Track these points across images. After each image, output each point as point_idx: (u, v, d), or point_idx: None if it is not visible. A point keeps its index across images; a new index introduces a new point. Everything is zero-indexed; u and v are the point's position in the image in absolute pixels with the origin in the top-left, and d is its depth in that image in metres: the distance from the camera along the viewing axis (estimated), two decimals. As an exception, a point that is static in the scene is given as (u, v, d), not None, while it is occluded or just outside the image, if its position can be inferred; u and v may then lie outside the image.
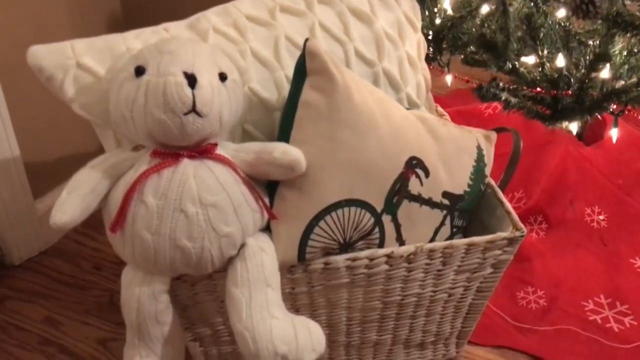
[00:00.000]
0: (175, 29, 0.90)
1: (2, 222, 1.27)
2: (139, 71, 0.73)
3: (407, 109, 0.97)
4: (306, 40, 0.81)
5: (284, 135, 0.83)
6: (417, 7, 1.06)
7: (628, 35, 0.98)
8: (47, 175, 1.35)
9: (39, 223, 1.33)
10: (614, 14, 0.97)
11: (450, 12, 1.27)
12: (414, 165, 0.87)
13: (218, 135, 0.77)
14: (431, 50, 1.18)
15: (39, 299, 1.24)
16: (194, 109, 0.72)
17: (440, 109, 1.21)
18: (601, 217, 1.40)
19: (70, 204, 0.75)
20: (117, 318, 1.16)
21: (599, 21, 0.93)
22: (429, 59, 1.19)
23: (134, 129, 0.75)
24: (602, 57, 0.97)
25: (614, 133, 1.22)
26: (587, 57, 1.00)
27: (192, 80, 0.71)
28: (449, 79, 1.34)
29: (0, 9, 1.18)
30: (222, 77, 0.76)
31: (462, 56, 1.20)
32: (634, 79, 1.01)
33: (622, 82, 1.01)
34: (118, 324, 1.16)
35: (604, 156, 1.46)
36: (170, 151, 0.76)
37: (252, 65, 0.90)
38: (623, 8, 0.99)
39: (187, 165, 0.75)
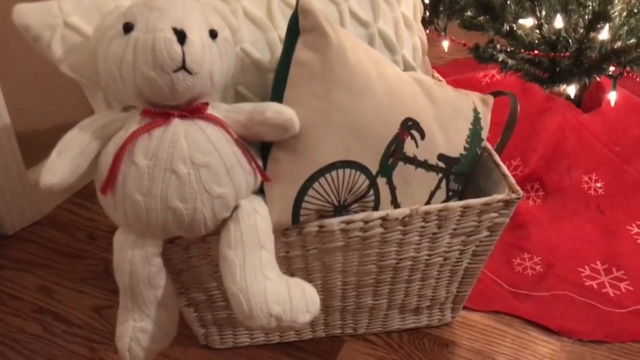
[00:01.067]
0: (165, -12, 0.88)
1: (-6, 192, 1.26)
2: (127, 28, 0.71)
3: (403, 71, 0.95)
4: (299, -3, 0.79)
5: (277, 95, 0.82)
6: (414, -33, 1.04)
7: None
8: (39, 144, 1.33)
9: (31, 192, 1.32)
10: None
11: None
12: (410, 126, 0.86)
13: (209, 94, 0.76)
14: (427, 14, 1.16)
15: (34, 268, 1.23)
16: (183, 66, 0.70)
17: (436, 74, 1.19)
18: (598, 185, 1.39)
19: (60, 165, 0.74)
20: (112, 286, 1.16)
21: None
22: (425, 23, 1.17)
23: (124, 87, 0.73)
24: (601, 16, 0.95)
25: (612, 96, 1.20)
26: (586, 18, 0.98)
27: (181, 36, 0.70)
28: (445, 44, 1.32)
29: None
30: (213, 34, 0.74)
31: (459, 20, 1.17)
32: (633, 40, 1.00)
33: (621, 44, 0.99)
34: (113, 292, 1.16)
35: (602, 123, 1.45)
36: (161, 110, 0.74)
37: (245, 25, 0.88)
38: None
39: (177, 125, 0.73)
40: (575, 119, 1.44)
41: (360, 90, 0.81)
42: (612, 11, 1.03)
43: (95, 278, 1.21)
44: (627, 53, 0.97)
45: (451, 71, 1.84)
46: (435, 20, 1.17)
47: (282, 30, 0.88)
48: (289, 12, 0.88)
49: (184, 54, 0.70)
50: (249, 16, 0.88)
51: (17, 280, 1.20)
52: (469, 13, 1.18)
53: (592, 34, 0.96)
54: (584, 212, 1.35)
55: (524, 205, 1.34)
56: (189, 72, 0.71)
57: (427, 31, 1.22)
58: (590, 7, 0.98)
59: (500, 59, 1.02)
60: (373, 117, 0.82)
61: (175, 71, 0.70)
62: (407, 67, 1.01)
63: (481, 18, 1.11)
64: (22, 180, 1.30)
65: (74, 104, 1.33)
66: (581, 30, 0.98)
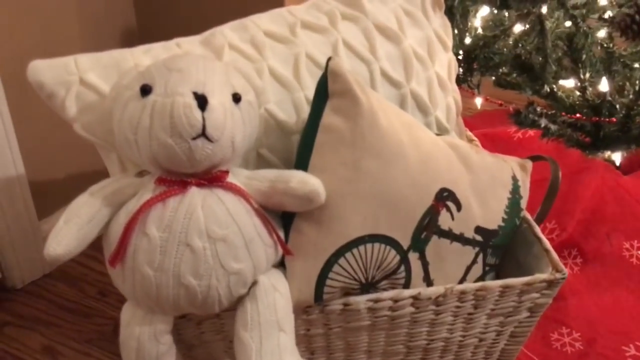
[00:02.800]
0: (188, 45, 0.84)
1: (5, 244, 1.21)
2: (145, 90, 0.66)
3: (437, 134, 0.89)
4: (329, 59, 0.74)
5: (302, 161, 0.76)
6: (449, 24, 0.99)
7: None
8: (53, 195, 1.29)
9: (43, 244, 1.26)
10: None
11: (481, 30, 1.20)
12: (445, 197, 0.79)
13: (230, 161, 0.70)
14: (461, 71, 1.11)
15: (39, 325, 1.17)
16: (203, 133, 0.65)
17: (469, 133, 1.13)
18: (641, 252, 1.30)
19: (66, 234, 0.69)
20: (119, 349, 1.09)
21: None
22: (458, 80, 1.12)
23: (138, 153, 0.68)
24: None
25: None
26: (637, 83, 0.92)
27: (202, 101, 0.65)
28: (479, 101, 1.27)
29: (9, 20, 1.13)
30: (236, 98, 0.69)
31: (494, 78, 1.12)
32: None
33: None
34: (120, 356, 1.09)
35: (643, 186, 1.37)
36: (177, 178, 0.69)
37: (270, 85, 0.83)
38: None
39: (194, 195, 0.68)
40: (614, 180, 1.36)
41: (392, 159, 0.75)
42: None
43: (103, 339, 1.14)
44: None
45: (480, 123, 1.77)
46: (469, 78, 1.12)
47: (309, 91, 0.83)
48: (317, 72, 0.83)
49: (204, 120, 0.64)
50: (275, 75, 0.83)
51: (21, 339, 1.14)
52: (504, 69, 1.12)
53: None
54: (627, 283, 1.25)
55: (561, 274, 1.26)
56: (209, 140, 0.65)
57: (460, 88, 1.16)
58: (636, 79, 0.92)
59: (542, 125, 0.96)
60: (405, 187, 0.76)
61: (195, 138, 0.65)
62: (441, 129, 0.96)
63: (518, 77, 1.05)
64: (34, 231, 1.25)
65: (90, 155, 1.29)
66: (630, 96, 0.92)
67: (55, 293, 1.25)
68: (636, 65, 0.98)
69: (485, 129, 1.66)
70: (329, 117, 0.75)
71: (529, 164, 0.98)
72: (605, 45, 1.00)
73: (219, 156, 0.67)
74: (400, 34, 0.91)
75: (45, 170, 1.27)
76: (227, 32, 0.86)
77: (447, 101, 0.97)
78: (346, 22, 0.91)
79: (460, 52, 1.12)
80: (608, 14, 0.99)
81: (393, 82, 0.90)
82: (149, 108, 0.65)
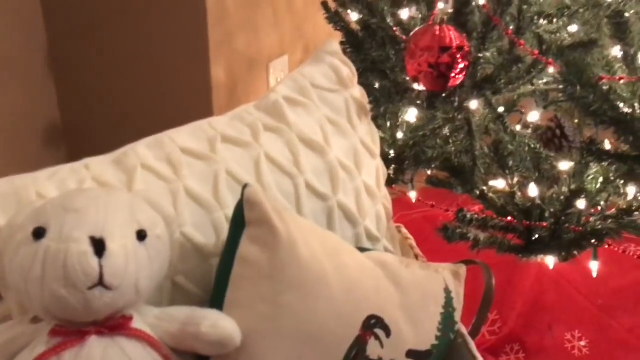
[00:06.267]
0: (98, 166, 0.79)
1: None
2: (38, 233, 0.61)
3: (362, 249, 0.86)
4: (244, 186, 0.71)
5: (218, 295, 0.71)
6: (375, 131, 0.98)
7: (603, 164, 0.91)
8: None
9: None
10: (587, 142, 0.89)
11: (411, 131, 1.19)
12: (373, 325, 0.75)
13: (135, 304, 0.65)
14: (392, 170, 1.09)
15: None
16: (101, 282, 0.59)
17: (404, 230, 1.10)
18: (582, 343, 1.29)
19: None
20: None
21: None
22: (390, 180, 1.10)
23: (30, 302, 0.62)
24: (577, 193, 0.89)
25: (593, 266, 1.13)
26: (562, 192, 0.92)
27: (99, 246, 0.59)
28: (413, 195, 1.25)
29: None
30: (141, 235, 0.64)
31: (426, 176, 1.11)
32: (613, 211, 0.93)
33: (600, 216, 0.93)
34: None
35: (582, 273, 1.37)
36: (75, 328, 0.62)
37: (187, 206, 0.78)
38: (597, 136, 0.92)
39: (94, 346, 0.61)
40: (553, 269, 1.36)
41: (314, 291, 0.70)
42: (587, 175, 0.97)
43: None
44: (608, 231, 0.90)
45: (423, 200, 1.76)
46: (401, 177, 1.11)
47: (230, 209, 0.78)
48: (238, 189, 0.78)
49: (101, 268, 0.59)
50: (192, 195, 0.79)
51: None
52: (435, 169, 1.12)
53: (569, 210, 0.90)
54: (570, 377, 1.23)
55: (505, 372, 1.23)
56: (108, 288, 0.60)
57: (393, 187, 1.15)
58: (566, 182, 0.92)
59: (471, 237, 0.95)
60: (330, 319, 0.71)
61: (91, 288, 0.59)
62: (371, 239, 0.93)
63: (448, 177, 1.05)
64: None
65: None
66: (558, 206, 0.92)
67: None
68: (562, 167, 0.98)
69: (425, 209, 1.65)
70: (245, 247, 0.70)
71: (463, 270, 0.95)
72: (532, 146, 1.00)
73: (120, 303, 0.62)
74: (326, 146, 0.89)
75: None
76: (142, 151, 0.82)
77: (377, 209, 0.95)
78: (269, 134, 0.88)
79: (392, 152, 1.11)
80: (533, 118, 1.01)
81: (319, 195, 0.87)
82: (41, 255, 0.59)
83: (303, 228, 0.74)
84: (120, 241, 0.61)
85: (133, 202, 0.67)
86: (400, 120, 1.20)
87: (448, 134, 1.12)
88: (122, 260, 0.60)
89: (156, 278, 0.67)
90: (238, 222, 0.72)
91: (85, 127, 1.32)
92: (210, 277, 0.77)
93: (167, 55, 1.24)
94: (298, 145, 0.87)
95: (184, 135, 0.85)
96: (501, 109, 1.25)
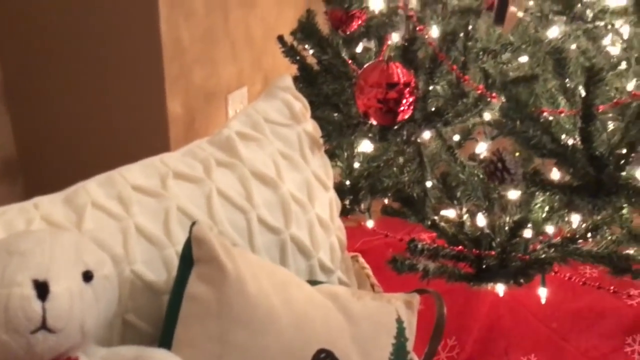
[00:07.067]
0: (47, 206, 0.79)
1: None
2: (-19, 278, 0.60)
3: (315, 282, 0.87)
4: (192, 224, 0.72)
5: (168, 333, 0.71)
6: (329, 164, 1.00)
7: (547, 193, 0.94)
8: None
9: None
10: (531, 173, 0.93)
11: (370, 154, 1.22)
12: (323, 358, 0.76)
13: (81, 346, 0.64)
14: (348, 200, 1.11)
15: None
16: (44, 325, 0.59)
17: (361, 260, 1.12)
18: (538, 367, 1.31)
19: None
20: None
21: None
22: (346, 210, 1.12)
23: (-29, 347, 0.61)
24: (522, 223, 0.92)
25: (542, 292, 1.16)
26: (508, 222, 0.95)
27: (42, 290, 0.59)
28: (370, 224, 1.27)
29: None
30: (88, 275, 0.64)
31: (381, 206, 1.13)
32: (558, 240, 0.97)
33: (546, 245, 0.96)
34: None
35: (537, 298, 1.40)
36: (18, 372, 0.62)
37: (137, 243, 0.79)
38: (543, 166, 0.95)
39: (37, 391, 0.61)
40: (509, 294, 1.39)
41: (263, 327, 0.71)
42: (534, 203, 1.00)
43: None
44: (552, 259, 0.93)
45: (383, 227, 1.78)
46: (356, 208, 1.12)
47: (182, 246, 0.79)
48: (190, 225, 0.80)
49: (44, 311, 0.59)
50: (143, 233, 0.79)
51: None
52: (389, 196, 1.14)
53: (514, 240, 0.92)
54: (527, 402, 1.25)
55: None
56: (51, 331, 0.59)
57: (348, 218, 1.16)
58: (510, 212, 0.95)
59: (421, 268, 0.97)
60: (279, 355, 0.72)
61: (34, 332, 0.59)
62: (324, 271, 0.94)
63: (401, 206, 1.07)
64: None
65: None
66: (504, 236, 0.95)
67: None
68: (511, 196, 1.01)
69: (387, 234, 1.67)
70: (193, 285, 0.71)
71: (416, 299, 0.97)
72: (481, 176, 1.03)
73: (65, 345, 0.61)
74: (278, 180, 0.91)
75: None
76: (92, 189, 0.82)
77: (331, 241, 0.96)
78: (222, 169, 0.89)
79: (347, 182, 1.13)
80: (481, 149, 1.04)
81: (272, 229, 0.88)
82: (-17, 300, 0.59)
83: (252, 264, 0.75)
84: (64, 283, 0.61)
85: (80, 242, 0.67)
86: (356, 151, 1.22)
87: (402, 164, 1.15)
88: (66, 303, 0.60)
89: (103, 318, 0.66)
90: (186, 260, 0.72)
91: (41, 161, 1.31)
92: (161, 314, 0.77)
93: (123, 90, 1.24)
94: (250, 180, 0.89)
95: (135, 172, 0.86)
96: (457, 137, 1.29)
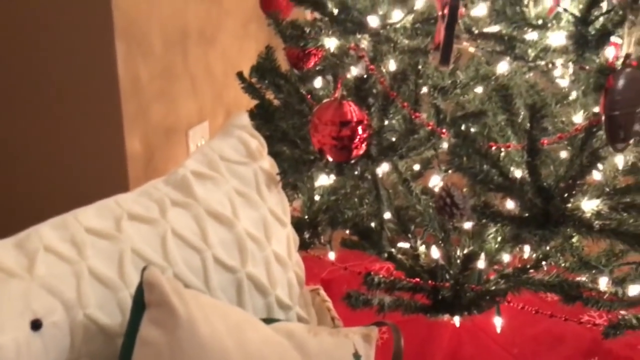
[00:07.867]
0: (-2, 251, 0.78)
1: None
2: None
3: (271, 320, 0.88)
4: (144, 268, 0.72)
5: (120, 379, 0.71)
6: (285, 200, 1.01)
7: (499, 225, 0.96)
8: None
9: None
10: (481, 206, 0.95)
11: (329, 187, 1.23)
12: (278, 398, 0.77)
13: (29, 396, 0.64)
14: (308, 234, 1.13)
15: None
16: (-11, 379, 0.59)
17: (322, 293, 1.13)
18: (500, 394, 1.33)
19: None
20: None
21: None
22: (306, 244, 1.13)
23: None
24: (473, 256, 0.94)
25: (497, 322, 1.18)
26: (459, 255, 0.97)
27: (-12, 341, 0.59)
28: (332, 255, 1.29)
29: None
30: (36, 324, 0.64)
31: (341, 239, 1.14)
32: (510, 270, 0.99)
33: (498, 276, 0.98)
34: None
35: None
36: None
37: (91, 287, 0.78)
38: (494, 198, 0.98)
39: None
40: (470, 320, 1.41)
41: (216, 369, 0.71)
42: (487, 234, 1.03)
43: None
44: (504, 290, 0.95)
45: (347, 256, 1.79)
46: (316, 241, 1.14)
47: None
48: (144, 267, 0.80)
49: (-11, 364, 0.59)
50: (96, 276, 0.79)
51: None
52: (348, 229, 1.16)
53: (466, 272, 0.95)
54: None
55: None
56: (-3, 383, 0.59)
57: (307, 252, 1.18)
58: (462, 245, 0.98)
59: (375, 302, 0.98)
60: (232, 397, 0.72)
61: (-22, 384, 0.58)
62: (282, 307, 0.95)
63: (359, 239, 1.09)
64: None
65: None
66: (455, 269, 0.97)
67: None
68: (464, 227, 1.04)
69: (352, 262, 1.68)
70: (145, 329, 0.71)
71: (374, 332, 0.98)
72: (438, 208, 1.06)
73: (11, 395, 0.61)
74: (234, 218, 0.91)
75: None
76: (45, 232, 0.81)
77: (288, 277, 0.97)
78: (177, 209, 0.90)
79: (306, 216, 1.14)
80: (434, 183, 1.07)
81: (227, 268, 0.89)
82: None
83: (204, 306, 0.75)
84: (11, 334, 0.61)
85: (29, 290, 0.67)
86: (315, 184, 1.24)
87: (360, 197, 1.17)
88: (13, 354, 0.60)
89: (52, 366, 0.66)
90: (138, 304, 0.72)
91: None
92: (116, 358, 0.77)
93: (81, 129, 1.24)
94: (206, 219, 0.89)
95: (89, 214, 0.86)
96: (417, 167, 1.32)
